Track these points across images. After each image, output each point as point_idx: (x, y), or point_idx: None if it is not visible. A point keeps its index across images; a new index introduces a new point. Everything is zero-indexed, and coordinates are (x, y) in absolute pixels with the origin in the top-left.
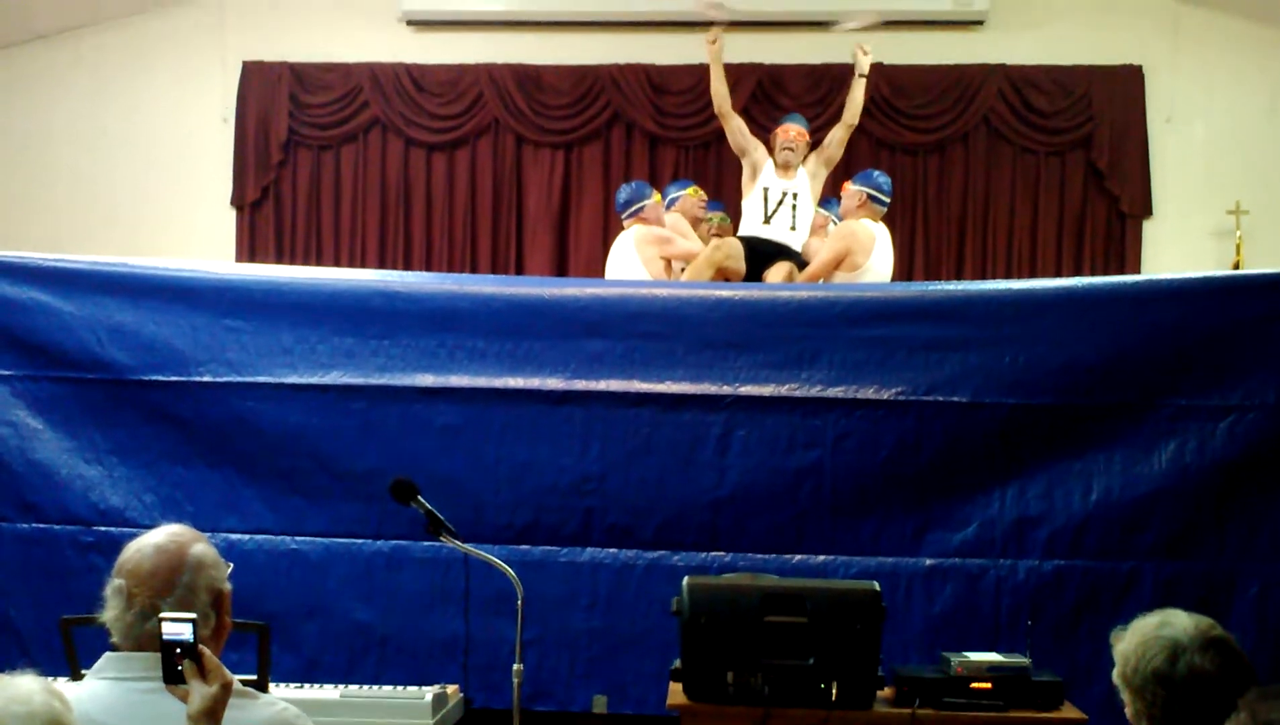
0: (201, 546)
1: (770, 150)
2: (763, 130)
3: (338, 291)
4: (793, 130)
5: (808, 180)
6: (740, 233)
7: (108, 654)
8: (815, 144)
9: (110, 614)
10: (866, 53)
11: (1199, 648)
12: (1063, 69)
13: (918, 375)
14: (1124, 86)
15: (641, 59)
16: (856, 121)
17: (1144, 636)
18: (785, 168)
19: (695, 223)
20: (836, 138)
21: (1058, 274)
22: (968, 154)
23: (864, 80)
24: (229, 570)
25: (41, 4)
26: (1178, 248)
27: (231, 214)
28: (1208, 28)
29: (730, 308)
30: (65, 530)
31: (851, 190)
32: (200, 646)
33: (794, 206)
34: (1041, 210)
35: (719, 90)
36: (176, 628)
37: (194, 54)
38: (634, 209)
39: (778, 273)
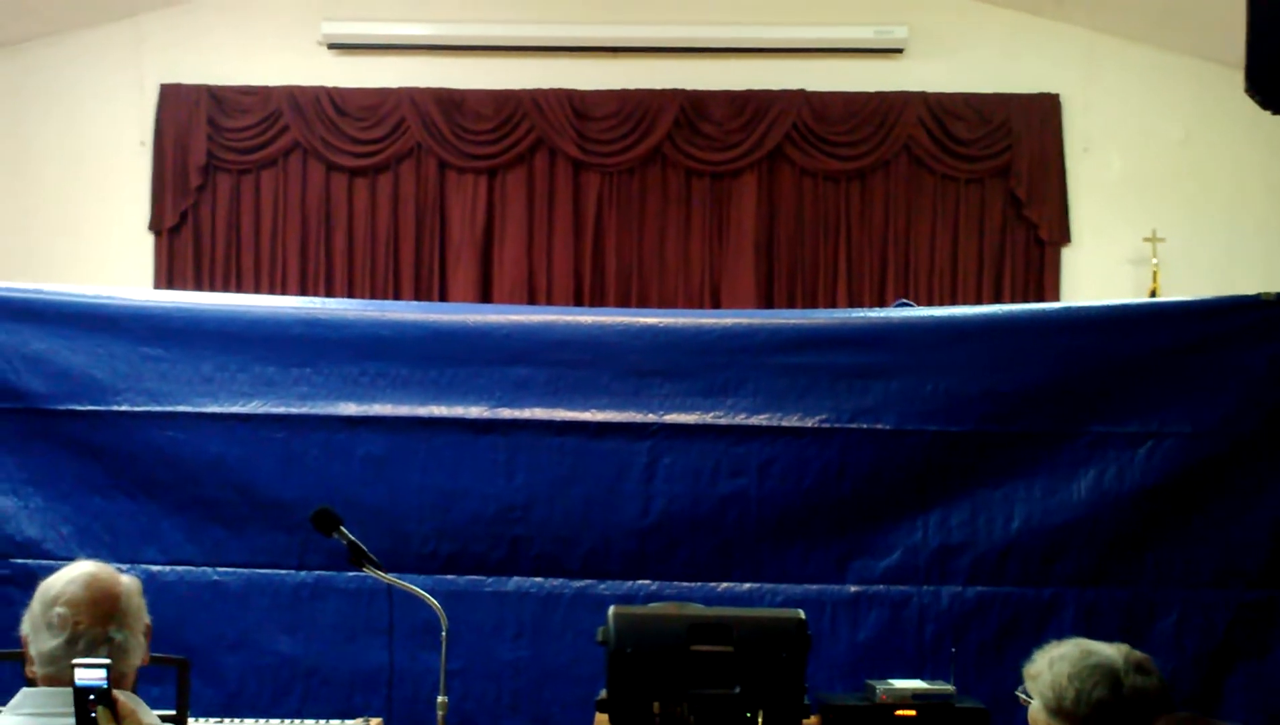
0: (129, 578)
1: None
2: (686, 157)
3: (258, 319)
4: None
5: None
6: None
7: (24, 690)
8: None
9: (48, 645)
10: None
11: (1134, 669)
12: (981, 97)
13: (841, 402)
14: (1042, 115)
15: (563, 84)
16: None
17: (1075, 667)
18: None
19: None
20: None
21: (978, 301)
22: (889, 181)
23: None
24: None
25: None
26: (1096, 275)
27: (149, 239)
28: (1122, 57)
29: (654, 336)
30: None
31: None
32: (115, 692)
33: None
34: (962, 237)
35: None
36: (90, 673)
37: (110, 76)
38: None
39: None
